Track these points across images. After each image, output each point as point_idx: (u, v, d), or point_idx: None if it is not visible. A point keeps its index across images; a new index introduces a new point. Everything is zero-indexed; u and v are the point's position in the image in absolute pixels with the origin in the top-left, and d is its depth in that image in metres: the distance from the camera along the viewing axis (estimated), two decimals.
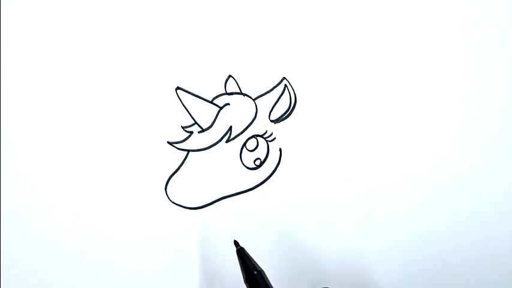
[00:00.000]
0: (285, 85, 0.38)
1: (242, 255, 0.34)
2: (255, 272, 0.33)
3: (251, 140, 0.38)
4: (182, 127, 0.37)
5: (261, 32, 0.37)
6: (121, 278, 0.37)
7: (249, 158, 0.38)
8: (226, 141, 0.37)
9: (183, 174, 0.37)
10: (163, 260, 0.37)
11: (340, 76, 0.38)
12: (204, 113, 0.37)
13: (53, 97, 0.36)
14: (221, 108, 0.37)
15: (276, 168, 0.38)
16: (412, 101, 0.39)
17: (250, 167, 0.38)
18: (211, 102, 0.37)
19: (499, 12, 0.39)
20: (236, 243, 0.34)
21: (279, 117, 0.38)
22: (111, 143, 0.36)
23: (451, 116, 0.39)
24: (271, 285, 0.33)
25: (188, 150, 0.37)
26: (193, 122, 0.37)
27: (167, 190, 0.37)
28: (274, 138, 0.38)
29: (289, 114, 0.38)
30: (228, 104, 0.37)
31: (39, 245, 0.36)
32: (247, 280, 0.33)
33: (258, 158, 0.38)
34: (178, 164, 0.37)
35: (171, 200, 0.37)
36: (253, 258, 0.34)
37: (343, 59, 0.38)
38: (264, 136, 0.38)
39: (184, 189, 0.37)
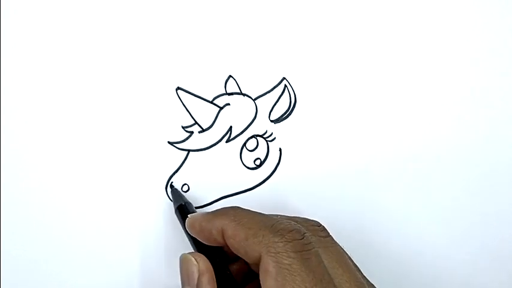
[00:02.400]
0: (285, 85, 0.38)
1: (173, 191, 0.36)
2: (183, 203, 0.35)
3: (251, 140, 0.38)
4: (182, 127, 0.37)
5: (261, 32, 0.37)
6: (121, 277, 0.37)
7: (249, 158, 0.38)
8: (226, 141, 0.37)
9: (183, 174, 0.37)
10: (163, 259, 0.37)
11: (340, 76, 0.38)
12: (204, 113, 0.37)
13: (53, 97, 0.36)
14: (221, 108, 0.37)
15: (276, 168, 0.38)
16: (412, 101, 0.39)
17: (250, 167, 0.38)
18: (211, 102, 0.37)
19: (500, 11, 0.39)
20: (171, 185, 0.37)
21: (279, 117, 0.38)
22: (111, 143, 0.36)
23: (452, 118, 0.39)
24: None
25: (188, 150, 0.37)
26: (193, 122, 0.37)
27: (167, 190, 0.37)
28: (274, 138, 0.38)
29: (289, 114, 0.38)
30: (228, 104, 0.37)
31: (40, 245, 0.36)
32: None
33: (258, 158, 0.38)
34: (179, 164, 0.37)
35: (171, 200, 0.37)
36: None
37: (343, 59, 0.38)
38: (264, 136, 0.38)
39: (184, 188, 0.37)
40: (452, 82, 0.39)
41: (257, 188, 0.38)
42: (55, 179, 0.36)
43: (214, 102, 0.37)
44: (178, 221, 0.36)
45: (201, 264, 0.30)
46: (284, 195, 0.38)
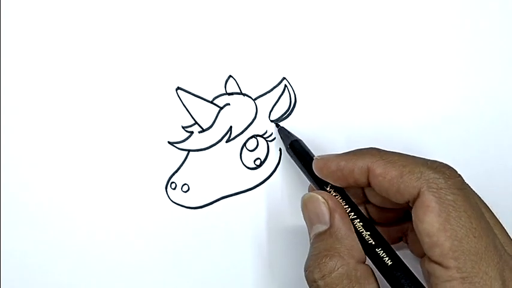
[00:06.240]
0: (285, 85, 0.38)
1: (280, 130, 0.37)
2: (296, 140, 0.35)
3: (251, 140, 0.38)
4: (182, 127, 0.37)
5: (261, 32, 0.37)
6: (121, 278, 0.37)
7: (249, 158, 0.38)
8: (227, 141, 0.38)
9: (183, 174, 0.37)
10: (163, 259, 0.37)
11: (340, 76, 0.38)
12: (204, 113, 0.37)
13: (53, 97, 0.36)
14: (221, 108, 0.37)
15: (276, 168, 0.38)
16: (412, 101, 0.39)
17: (250, 167, 0.38)
18: (211, 102, 0.37)
19: (500, 11, 0.39)
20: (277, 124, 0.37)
21: (279, 117, 0.38)
22: (112, 143, 0.36)
23: (451, 116, 0.39)
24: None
25: (188, 150, 0.37)
26: (193, 122, 0.37)
27: (167, 190, 0.37)
28: (274, 138, 0.38)
29: (289, 114, 0.38)
30: (228, 104, 0.37)
31: (40, 245, 0.36)
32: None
33: (258, 158, 0.38)
34: (179, 164, 0.37)
35: (171, 200, 0.37)
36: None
37: (343, 59, 0.38)
38: (264, 136, 0.38)
39: (184, 189, 0.37)
40: (452, 81, 0.39)
41: (257, 188, 0.38)
42: (55, 179, 0.36)
43: (214, 102, 0.37)
44: (178, 220, 0.36)
45: (330, 202, 0.30)
46: (284, 196, 0.38)
